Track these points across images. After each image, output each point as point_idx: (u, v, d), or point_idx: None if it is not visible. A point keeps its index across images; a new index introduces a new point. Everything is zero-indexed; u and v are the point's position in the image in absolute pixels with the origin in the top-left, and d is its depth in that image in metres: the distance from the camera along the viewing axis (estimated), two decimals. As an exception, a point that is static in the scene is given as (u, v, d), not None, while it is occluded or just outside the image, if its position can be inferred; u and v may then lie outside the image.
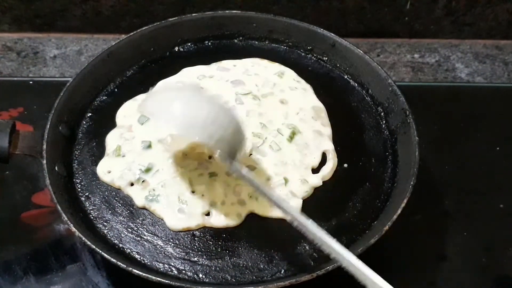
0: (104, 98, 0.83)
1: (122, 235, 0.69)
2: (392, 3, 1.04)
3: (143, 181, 0.72)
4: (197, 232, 0.69)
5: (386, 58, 1.07)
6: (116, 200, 0.72)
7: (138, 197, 0.72)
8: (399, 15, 1.06)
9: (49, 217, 0.80)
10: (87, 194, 0.73)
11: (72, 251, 0.76)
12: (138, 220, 0.70)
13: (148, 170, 0.73)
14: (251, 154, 0.74)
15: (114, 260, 0.63)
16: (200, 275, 0.66)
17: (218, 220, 0.70)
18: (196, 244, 0.69)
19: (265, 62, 0.86)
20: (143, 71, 0.87)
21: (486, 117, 0.95)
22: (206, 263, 0.67)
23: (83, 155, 0.76)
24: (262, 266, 0.67)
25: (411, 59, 1.07)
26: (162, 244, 0.68)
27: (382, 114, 0.81)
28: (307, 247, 0.68)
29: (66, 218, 0.66)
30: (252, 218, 0.70)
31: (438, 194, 0.85)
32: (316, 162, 0.75)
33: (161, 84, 0.82)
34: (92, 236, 0.67)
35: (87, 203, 0.72)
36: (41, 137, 0.72)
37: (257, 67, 0.85)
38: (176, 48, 0.90)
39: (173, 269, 0.67)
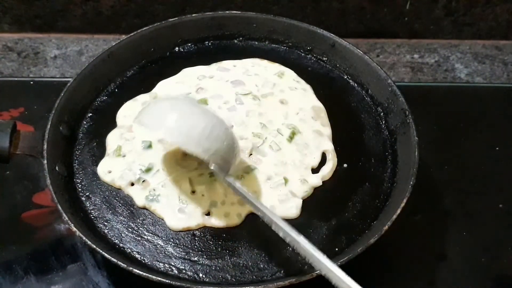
0: (104, 98, 0.83)
1: (123, 234, 0.69)
2: (392, 3, 1.04)
3: (143, 181, 0.72)
4: (197, 232, 0.70)
5: (385, 58, 1.07)
6: (116, 200, 0.72)
7: (139, 197, 0.72)
8: (399, 15, 1.06)
9: (50, 217, 0.80)
10: (87, 194, 0.73)
11: (72, 251, 0.76)
12: (138, 220, 0.71)
13: (148, 170, 0.73)
14: (251, 154, 0.74)
15: (114, 260, 0.63)
16: (200, 275, 0.67)
17: (218, 220, 0.70)
18: (196, 243, 0.69)
19: (265, 62, 0.87)
20: (143, 71, 0.87)
21: (486, 117, 0.95)
22: (206, 262, 0.67)
23: (83, 155, 0.77)
24: (262, 266, 0.67)
25: (411, 60, 1.07)
26: (162, 244, 0.69)
27: (382, 114, 0.81)
28: (307, 247, 0.68)
29: (66, 218, 0.66)
30: (252, 218, 0.70)
31: (438, 194, 0.84)
32: (316, 162, 0.75)
33: (159, 93, 0.82)
34: (93, 236, 0.68)
35: (87, 203, 0.72)
36: (41, 137, 0.73)
37: (257, 67, 0.85)
38: (176, 49, 0.90)
39: (174, 268, 0.67)
